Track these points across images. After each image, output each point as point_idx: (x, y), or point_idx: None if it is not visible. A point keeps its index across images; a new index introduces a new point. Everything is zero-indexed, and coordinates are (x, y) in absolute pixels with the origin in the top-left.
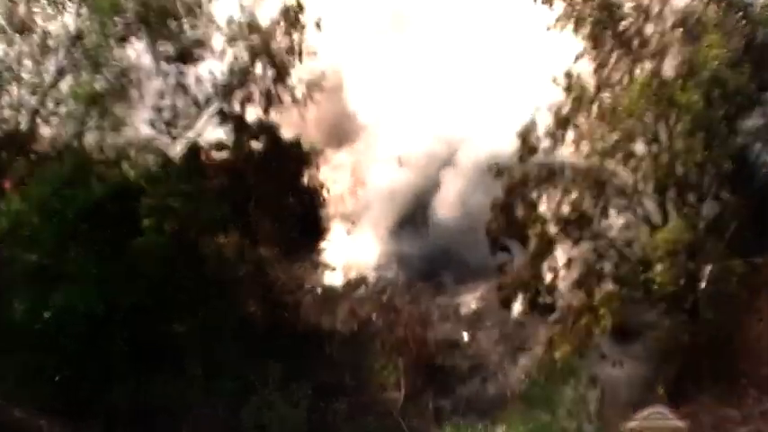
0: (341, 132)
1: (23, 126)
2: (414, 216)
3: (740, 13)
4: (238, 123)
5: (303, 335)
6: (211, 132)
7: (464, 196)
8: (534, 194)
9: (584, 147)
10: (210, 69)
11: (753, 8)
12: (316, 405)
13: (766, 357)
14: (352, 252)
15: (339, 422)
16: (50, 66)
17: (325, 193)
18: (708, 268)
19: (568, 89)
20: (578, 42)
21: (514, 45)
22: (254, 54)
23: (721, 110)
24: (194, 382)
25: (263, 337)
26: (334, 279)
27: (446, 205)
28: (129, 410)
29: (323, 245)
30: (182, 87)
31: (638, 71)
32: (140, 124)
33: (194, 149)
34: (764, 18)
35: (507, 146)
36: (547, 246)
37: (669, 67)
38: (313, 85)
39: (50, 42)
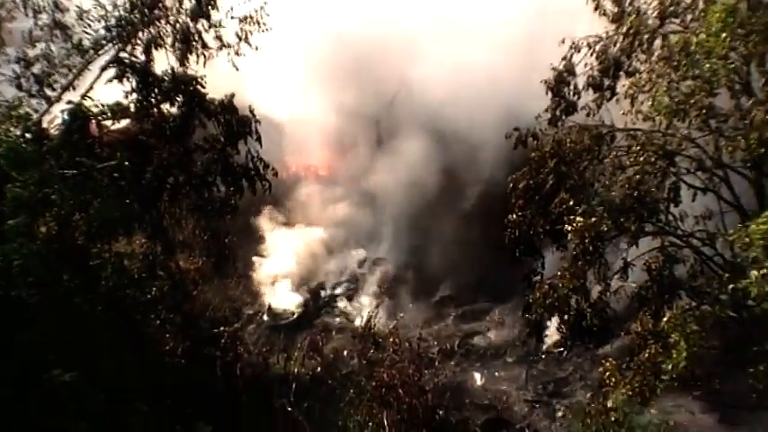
0: None
1: None
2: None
3: None
4: (143, 78)
5: (244, 382)
6: (104, 92)
7: (465, 174)
8: (574, 171)
9: (644, 102)
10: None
11: None
12: None
13: None
14: (309, 259)
15: None
16: None
17: (270, 174)
18: None
19: (619, 19)
20: None
21: None
22: None
23: None
24: None
25: (186, 387)
26: (286, 299)
27: (442, 188)
28: None
29: (269, 249)
30: (60, 27)
31: None
32: (1, 82)
33: (80, 117)
34: None
35: (529, 101)
36: (593, 245)
37: None
38: (250, 23)
39: None
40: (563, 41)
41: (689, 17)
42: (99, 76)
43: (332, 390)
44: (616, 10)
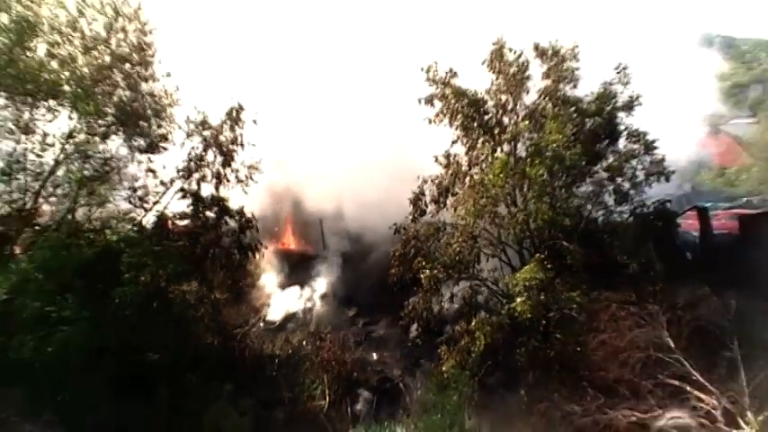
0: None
1: (28, 205)
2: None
3: (573, 108)
4: (196, 198)
5: (249, 359)
6: (175, 205)
7: (370, 247)
8: (424, 246)
9: (461, 210)
10: (173, 157)
11: (582, 103)
12: (260, 414)
13: (601, 366)
14: (284, 293)
15: (278, 428)
16: (49, 158)
17: (263, 248)
18: (556, 299)
19: (447, 166)
20: (453, 131)
21: (405, 135)
22: (207, 145)
23: (561, 180)
24: (163, 402)
25: (218, 363)
26: (272, 315)
27: (355, 254)
28: (113, 426)
29: (262, 289)
30: (151, 171)
31: (498, 152)
32: (120, 201)
33: (162, 219)
34: (590, 110)
35: (403, 210)
36: (435, 285)
37: (522, 149)
38: (252, 168)
39: (48, 140)
40: (418, 177)
41: (484, 165)
42: (172, 197)
43: (297, 362)
44: (446, 161)
